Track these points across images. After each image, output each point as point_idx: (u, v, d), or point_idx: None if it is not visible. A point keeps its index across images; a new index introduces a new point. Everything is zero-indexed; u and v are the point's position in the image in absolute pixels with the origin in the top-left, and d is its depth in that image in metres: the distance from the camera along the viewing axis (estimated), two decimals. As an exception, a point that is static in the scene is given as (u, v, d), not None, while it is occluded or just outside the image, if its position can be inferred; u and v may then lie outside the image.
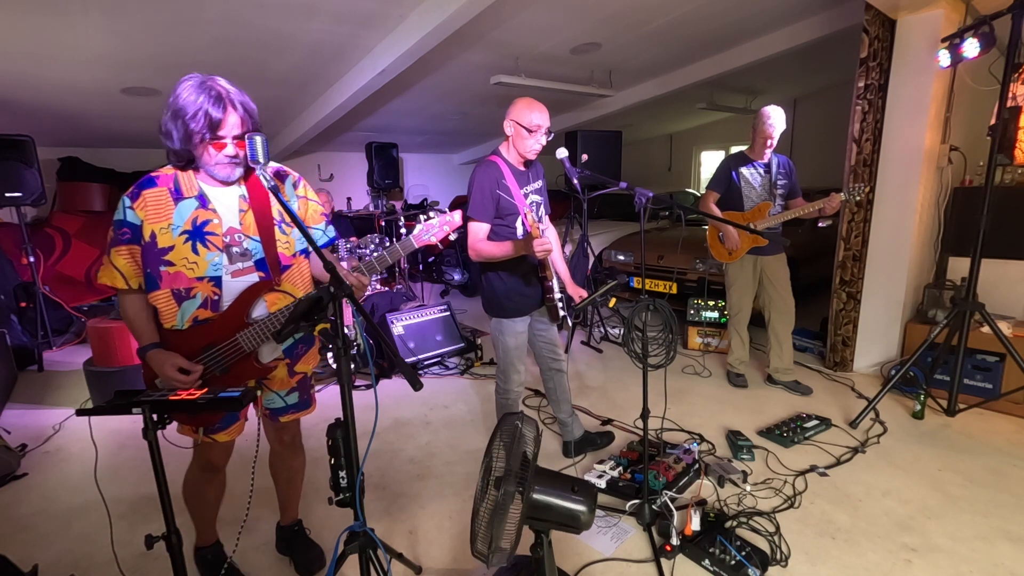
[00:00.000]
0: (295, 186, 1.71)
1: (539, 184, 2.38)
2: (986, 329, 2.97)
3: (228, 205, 1.57)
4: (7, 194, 4.33)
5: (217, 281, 1.56)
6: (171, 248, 1.51)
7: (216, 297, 1.57)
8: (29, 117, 4.71)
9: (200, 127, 1.42)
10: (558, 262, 2.46)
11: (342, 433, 1.44)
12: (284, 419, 1.81)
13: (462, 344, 4.25)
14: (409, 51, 4.00)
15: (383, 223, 6.36)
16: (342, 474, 1.45)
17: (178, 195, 1.52)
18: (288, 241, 1.67)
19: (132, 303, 1.56)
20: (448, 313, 4.33)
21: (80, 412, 1.37)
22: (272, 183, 1.45)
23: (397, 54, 4.08)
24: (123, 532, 2.19)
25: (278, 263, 1.64)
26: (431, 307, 4.28)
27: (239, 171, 1.54)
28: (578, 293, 2.41)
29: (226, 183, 1.56)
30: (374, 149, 6.69)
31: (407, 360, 3.90)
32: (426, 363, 4.05)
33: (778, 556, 1.94)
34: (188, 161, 1.51)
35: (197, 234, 1.53)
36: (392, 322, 3.98)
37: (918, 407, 3.00)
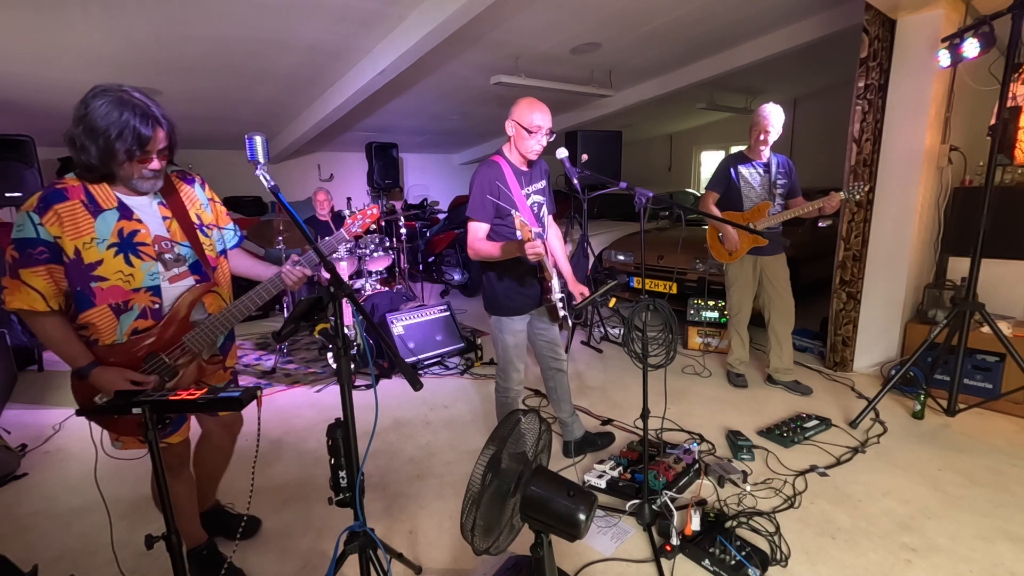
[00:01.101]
0: (203, 187, 1.75)
1: (542, 184, 2.38)
2: (986, 329, 2.97)
3: (151, 214, 1.57)
4: (7, 194, 4.32)
5: (156, 290, 1.55)
6: (100, 263, 1.47)
7: (156, 306, 1.56)
8: (29, 117, 4.71)
9: (128, 145, 1.39)
10: (560, 260, 2.46)
11: (342, 433, 1.44)
12: (223, 413, 1.88)
13: (462, 344, 4.25)
14: (409, 51, 4.01)
15: (383, 223, 6.36)
16: (342, 474, 1.45)
17: (95, 207, 1.47)
18: (211, 244, 1.71)
19: (56, 325, 1.48)
20: (448, 313, 4.33)
21: (80, 412, 1.37)
22: (272, 183, 1.45)
23: (397, 54, 4.08)
24: (123, 532, 2.19)
25: (210, 265, 1.68)
26: (431, 307, 4.28)
27: (160, 183, 1.55)
28: (579, 291, 2.40)
29: (145, 194, 1.55)
30: (374, 149, 6.69)
31: (407, 360, 3.90)
32: (426, 363, 4.05)
33: (778, 556, 1.94)
34: (103, 175, 1.46)
35: (127, 246, 1.50)
36: (392, 322, 3.98)
37: (918, 407, 3.00)
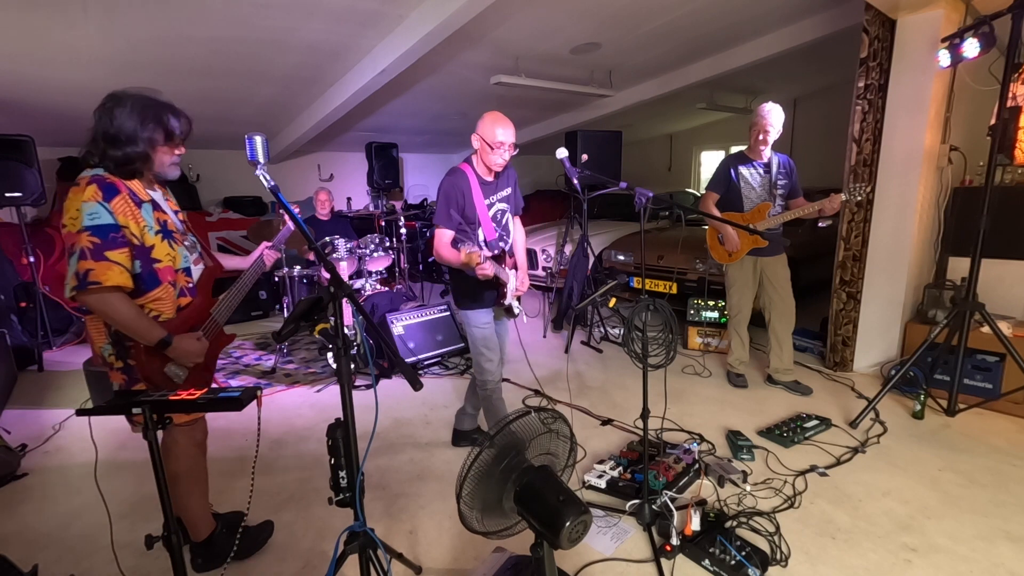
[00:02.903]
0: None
1: (507, 192, 2.47)
2: (986, 329, 2.97)
3: (167, 209, 1.76)
4: (7, 194, 4.32)
5: (188, 271, 1.78)
6: (153, 247, 1.65)
7: (190, 285, 1.78)
8: (29, 117, 4.70)
9: (169, 131, 1.62)
10: (518, 255, 2.56)
11: (342, 433, 1.44)
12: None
13: (462, 344, 4.25)
14: (409, 51, 4.00)
15: (383, 223, 6.36)
16: (342, 474, 1.45)
17: (137, 200, 1.64)
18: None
19: (130, 301, 1.59)
20: (448, 313, 4.33)
21: (80, 412, 1.37)
22: (272, 183, 1.46)
23: (397, 54, 4.08)
24: (123, 532, 2.19)
25: (209, 252, 1.95)
26: (431, 307, 4.28)
27: (179, 171, 1.75)
28: (522, 279, 2.49)
29: (168, 183, 1.77)
30: (374, 149, 6.68)
31: (407, 360, 3.90)
32: (426, 363, 4.06)
33: (778, 556, 1.94)
34: (132, 171, 1.62)
35: (165, 233, 1.70)
36: (392, 322, 3.98)
37: (918, 407, 3.00)
